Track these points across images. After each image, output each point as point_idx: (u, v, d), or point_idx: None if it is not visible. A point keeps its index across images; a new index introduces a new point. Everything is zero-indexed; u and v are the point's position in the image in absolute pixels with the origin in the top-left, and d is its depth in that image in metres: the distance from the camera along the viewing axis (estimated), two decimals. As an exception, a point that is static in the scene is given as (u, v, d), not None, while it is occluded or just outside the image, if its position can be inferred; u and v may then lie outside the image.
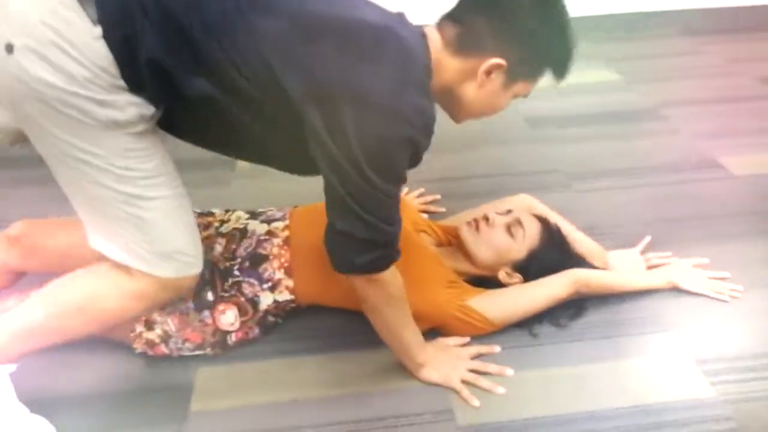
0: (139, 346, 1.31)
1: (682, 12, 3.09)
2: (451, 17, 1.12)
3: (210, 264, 1.34)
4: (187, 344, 1.31)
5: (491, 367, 1.29)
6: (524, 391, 1.26)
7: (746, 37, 2.99)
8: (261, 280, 1.33)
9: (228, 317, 1.31)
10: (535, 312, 1.37)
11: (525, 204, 1.58)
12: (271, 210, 1.46)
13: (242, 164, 2.05)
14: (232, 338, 1.34)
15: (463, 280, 1.41)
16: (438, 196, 1.85)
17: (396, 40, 1.05)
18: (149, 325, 1.30)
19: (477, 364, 1.29)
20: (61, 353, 1.26)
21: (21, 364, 1.14)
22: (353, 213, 1.06)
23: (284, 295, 1.34)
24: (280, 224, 1.39)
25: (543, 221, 1.46)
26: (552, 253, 1.42)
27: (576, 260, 1.43)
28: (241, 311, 1.32)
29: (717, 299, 1.45)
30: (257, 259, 1.34)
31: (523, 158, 2.07)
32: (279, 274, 1.33)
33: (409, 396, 1.26)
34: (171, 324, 1.30)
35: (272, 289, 1.33)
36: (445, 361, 1.28)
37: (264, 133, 1.10)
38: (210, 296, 1.31)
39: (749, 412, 1.20)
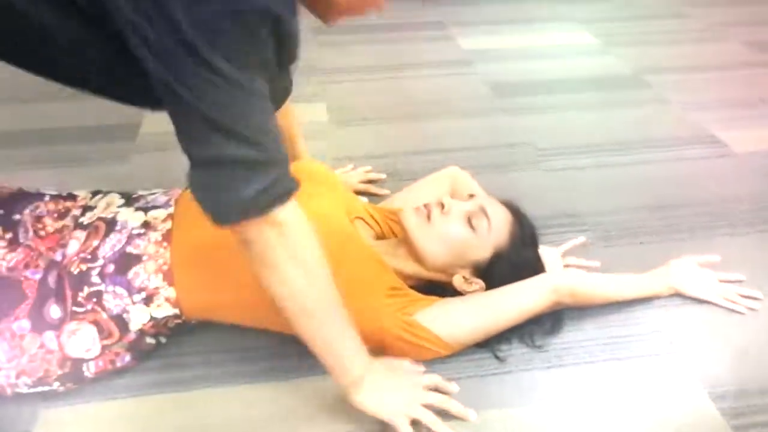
0: None
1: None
2: None
3: (56, 267, 0.97)
4: (24, 378, 0.94)
5: (452, 406, 0.95)
6: (487, 438, 0.94)
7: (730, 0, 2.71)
8: (131, 290, 0.96)
9: (82, 340, 0.94)
10: (501, 329, 1.04)
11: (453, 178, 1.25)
12: (154, 193, 1.09)
13: (145, 135, 1.67)
14: (90, 369, 0.97)
15: (408, 286, 1.06)
16: (383, 176, 1.51)
17: None
18: None
19: (434, 399, 0.95)
20: None
21: None
22: (210, 126, 0.72)
23: (164, 309, 0.97)
24: (161, 213, 1.03)
25: (513, 210, 1.11)
26: (524, 253, 1.08)
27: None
28: (102, 332, 0.95)
29: (730, 309, 1.15)
30: (126, 261, 0.97)
31: (487, 131, 1.73)
32: (156, 281, 0.97)
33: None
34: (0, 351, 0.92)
35: (147, 301, 0.97)
36: (393, 388, 0.93)
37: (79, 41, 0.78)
38: (56, 312, 0.94)
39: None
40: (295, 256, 0.81)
